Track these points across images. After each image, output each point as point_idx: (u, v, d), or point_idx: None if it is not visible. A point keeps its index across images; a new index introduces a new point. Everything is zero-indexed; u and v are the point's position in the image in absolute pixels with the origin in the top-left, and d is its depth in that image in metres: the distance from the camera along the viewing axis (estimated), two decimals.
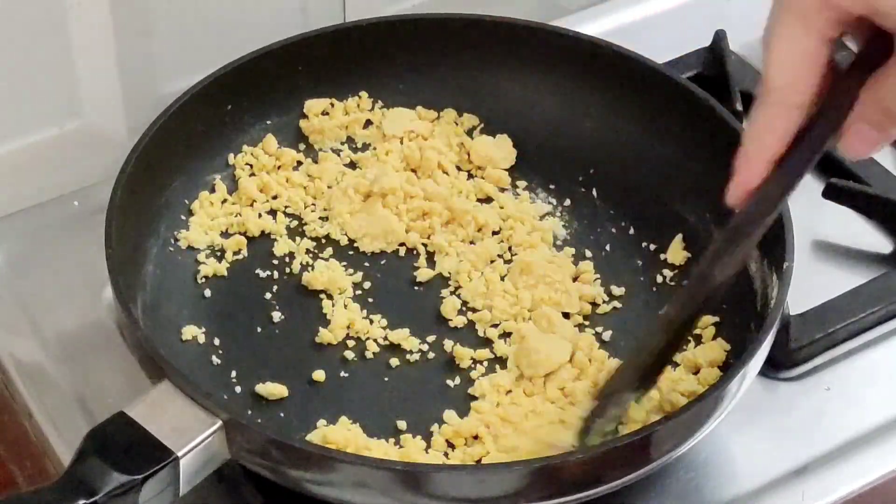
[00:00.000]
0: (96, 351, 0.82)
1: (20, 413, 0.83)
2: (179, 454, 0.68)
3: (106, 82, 0.91)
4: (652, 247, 0.87)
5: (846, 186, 0.91)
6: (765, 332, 0.74)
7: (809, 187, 0.93)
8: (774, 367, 0.83)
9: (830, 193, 0.91)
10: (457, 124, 0.93)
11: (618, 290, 0.85)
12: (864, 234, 0.91)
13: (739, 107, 0.96)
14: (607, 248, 0.87)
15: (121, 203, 0.79)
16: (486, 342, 0.82)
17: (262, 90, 0.89)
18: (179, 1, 0.92)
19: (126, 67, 0.91)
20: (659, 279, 0.85)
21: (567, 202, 0.90)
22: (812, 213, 0.92)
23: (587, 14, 1.06)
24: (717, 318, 0.81)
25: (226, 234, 0.87)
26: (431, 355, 0.81)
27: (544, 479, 0.69)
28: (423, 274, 0.85)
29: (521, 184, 0.91)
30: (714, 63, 0.99)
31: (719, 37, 1.00)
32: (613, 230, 0.88)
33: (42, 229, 0.91)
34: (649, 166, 0.89)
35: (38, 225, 0.91)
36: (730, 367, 0.75)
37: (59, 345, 0.84)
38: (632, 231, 0.88)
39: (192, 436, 0.69)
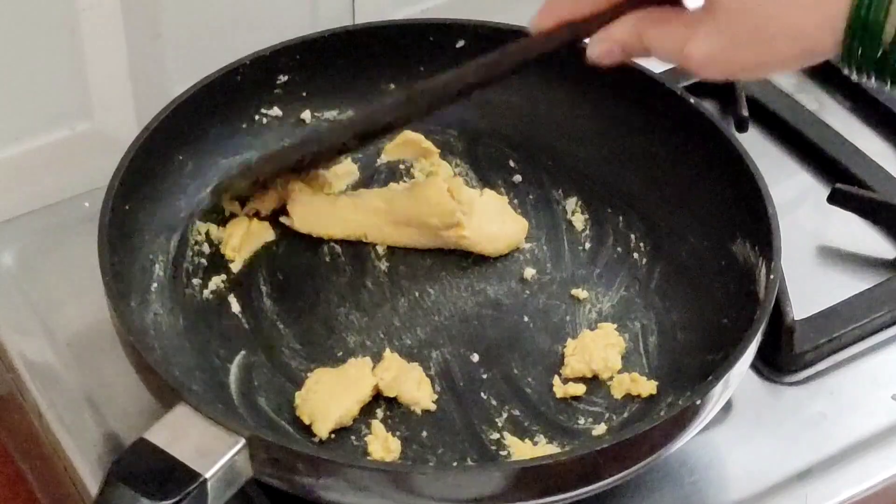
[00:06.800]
0: (106, 350, 0.82)
1: (30, 412, 0.83)
2: (207, 476, 0.66)
3: (117, 84, 0.91)
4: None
5: (851, 192, 0.91)
6: (752, 332, 0.73)
7: (815, 192, 0.94)
8: (779, 371, 0.83)
9: (836, 199, 0.91)
10: None
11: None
12: (869, 240, 0.91)
13: (745, 112, 0.96)
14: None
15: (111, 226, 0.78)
16: None
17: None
18: (189, 4, 0.92)
19: (136, 70, 0.92)
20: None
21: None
22: (817, 218, 0.92)
23: None
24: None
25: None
26: None
27: (532, 479, 0.69)
28: None
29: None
30: None
31: None
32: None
33: (52, 230, 0.91)
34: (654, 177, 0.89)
35: (49, 226, 0.91)
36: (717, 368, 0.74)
37: (68, 344, 0.85)
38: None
39: (216, 456, 0.67)
